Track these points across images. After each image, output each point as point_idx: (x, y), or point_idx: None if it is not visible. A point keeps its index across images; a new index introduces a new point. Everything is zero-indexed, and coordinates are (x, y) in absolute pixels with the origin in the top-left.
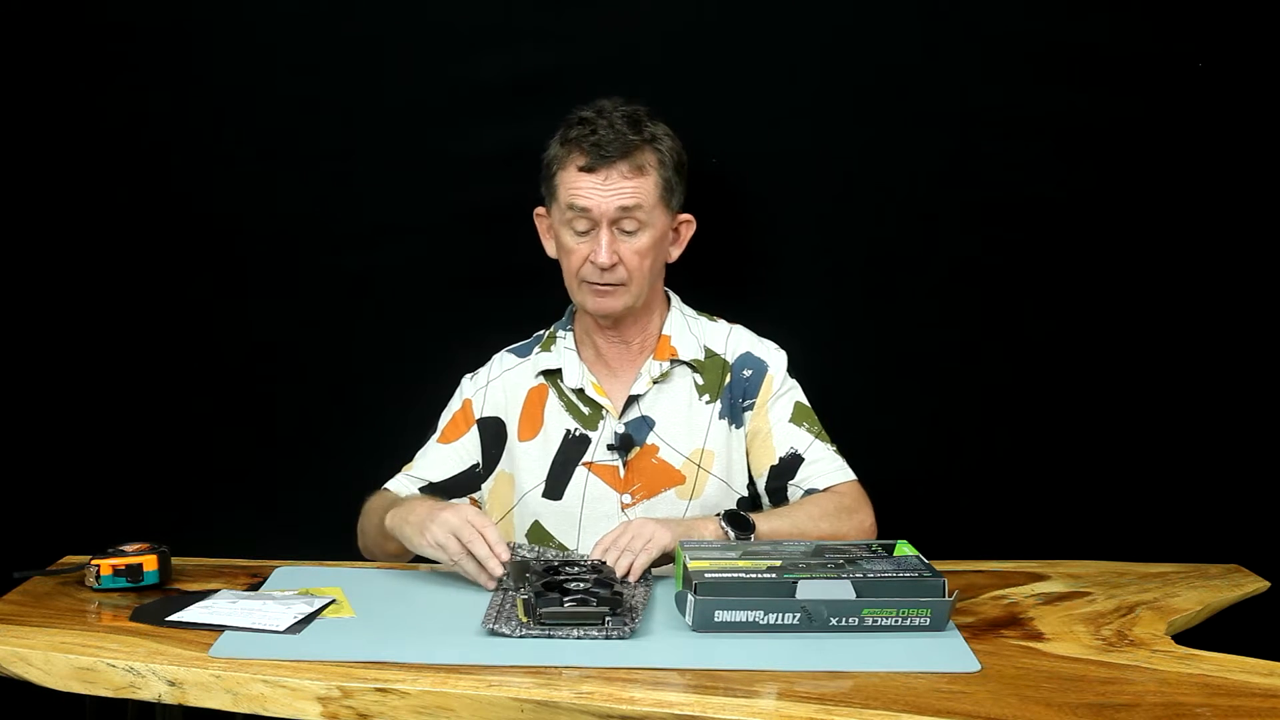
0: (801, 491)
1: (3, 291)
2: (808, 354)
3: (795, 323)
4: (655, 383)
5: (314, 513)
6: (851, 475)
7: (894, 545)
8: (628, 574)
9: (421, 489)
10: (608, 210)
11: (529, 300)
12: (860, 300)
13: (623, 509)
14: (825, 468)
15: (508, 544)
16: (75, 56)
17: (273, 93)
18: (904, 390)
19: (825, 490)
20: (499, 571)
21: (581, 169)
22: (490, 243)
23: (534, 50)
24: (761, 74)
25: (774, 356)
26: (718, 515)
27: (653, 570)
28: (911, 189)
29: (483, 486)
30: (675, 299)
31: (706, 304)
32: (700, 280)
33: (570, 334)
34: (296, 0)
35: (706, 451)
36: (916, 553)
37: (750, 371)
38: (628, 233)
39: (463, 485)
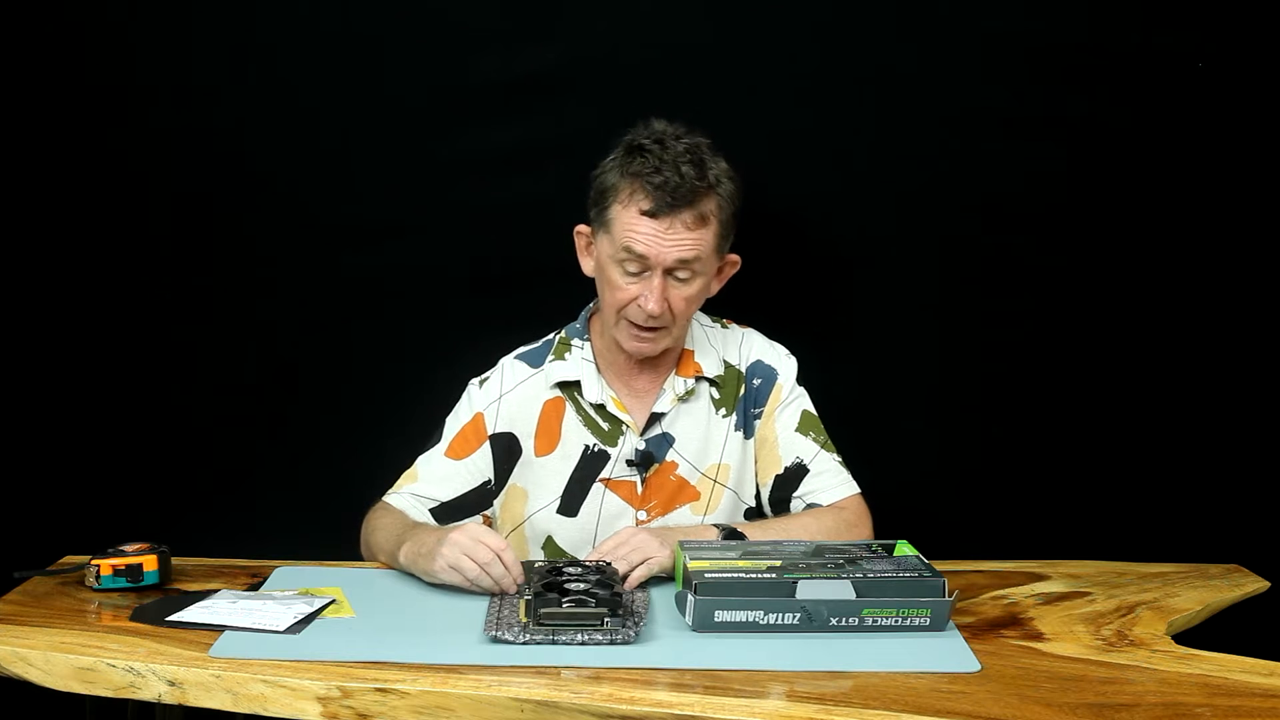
0: (804, 505)
1: (3, 292)
2: (807, 355)
3: (794, 323)
4: (679, 400)
5: (314, 513)
6: (855, 488)
7: (894, 545)
8: (625, 578)
9: (431, 509)
10: (665, 260)
11: (529, 300)
12: (859, 300)
13: (637, 525)
14: (829, 481)
15: (522, 561)
16: (75, 55)
17: (273, 93)
18: (904, 390)
19: (828, 506)
20: (513, 590)
21: (644, 213)
22: (490, 243)
23: (533, 50)
24: (761, 74)
25: (784, 364)
26: (716, 526)
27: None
28: (911, 189)
29: (494, 502)
30: None
31: (708, 307)
32: None
33: (588, 344)
34: (297, 0)
35: (722, 466)
36: (916, 553)
37: (760, 380)
38: (680, 280)
39: (474, 503)
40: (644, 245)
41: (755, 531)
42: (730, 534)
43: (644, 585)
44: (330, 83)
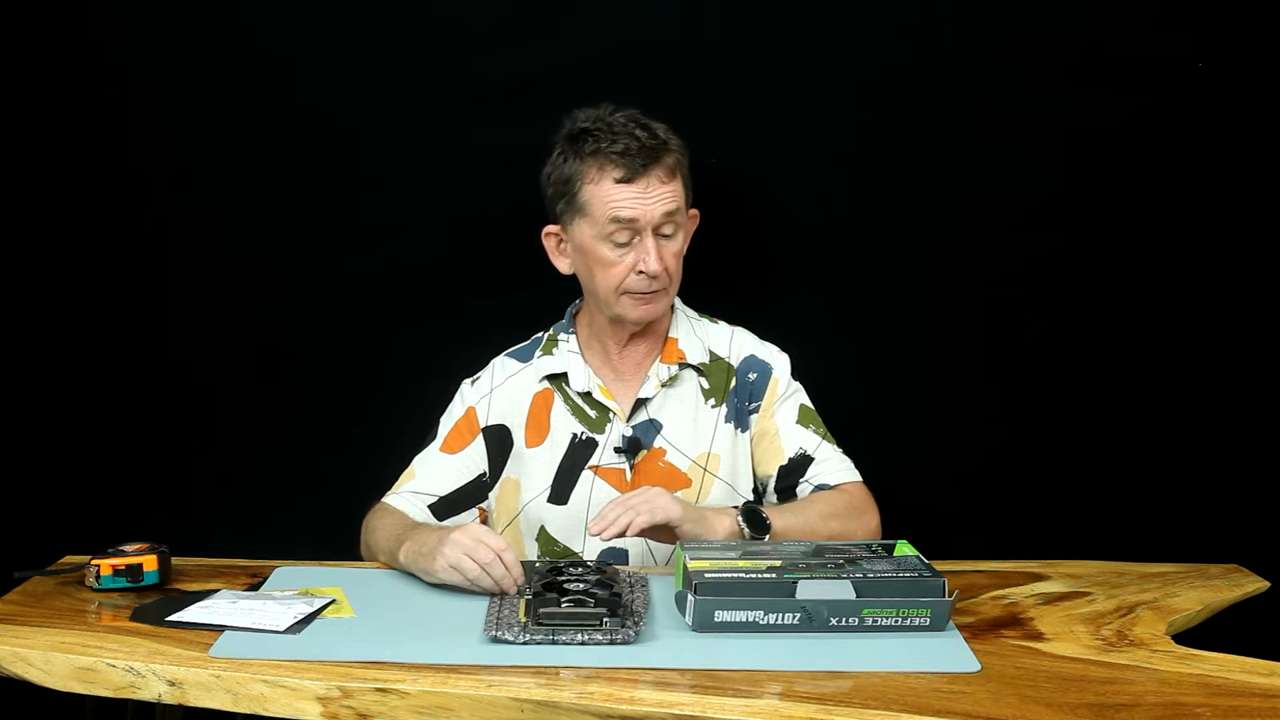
0: (812, 487)
1: (3, 292)
2: (806, 354)
3: (793, 323)
4: (663, 386)
5: (314, 513)
6: (858, 476)
7: (894, 545)
8: (626, 568)
9: (430, 505)
10: (653, 218)
11: (528, 300)
12: (859, 300)
13: None
14: (835, 466)
15: (523, 561)
16: (75, 54)
17: (273, 93)
18: (903, 390)
19: (835, 488)
20: (513, 590)
21: (619, 181)
22: (490, 243)
23: (534, 50)
24: (761, 73)
25: (778, 359)
26: (735, 508)
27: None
28: (911, 189)
29: (490, 495)
30: (677, 300)
31: (702, 304)
32: (698, 281)
33: (573, 336)
34: (297, 1)
35: (712, 455)
36: (916, 553)
37: (755, 375)
38: (666, 237)
39: (470, 496)
40: (630, 209)
41: (774, 512)
42: (750, 510)
43: (644, 585)
44: (330, 83)
